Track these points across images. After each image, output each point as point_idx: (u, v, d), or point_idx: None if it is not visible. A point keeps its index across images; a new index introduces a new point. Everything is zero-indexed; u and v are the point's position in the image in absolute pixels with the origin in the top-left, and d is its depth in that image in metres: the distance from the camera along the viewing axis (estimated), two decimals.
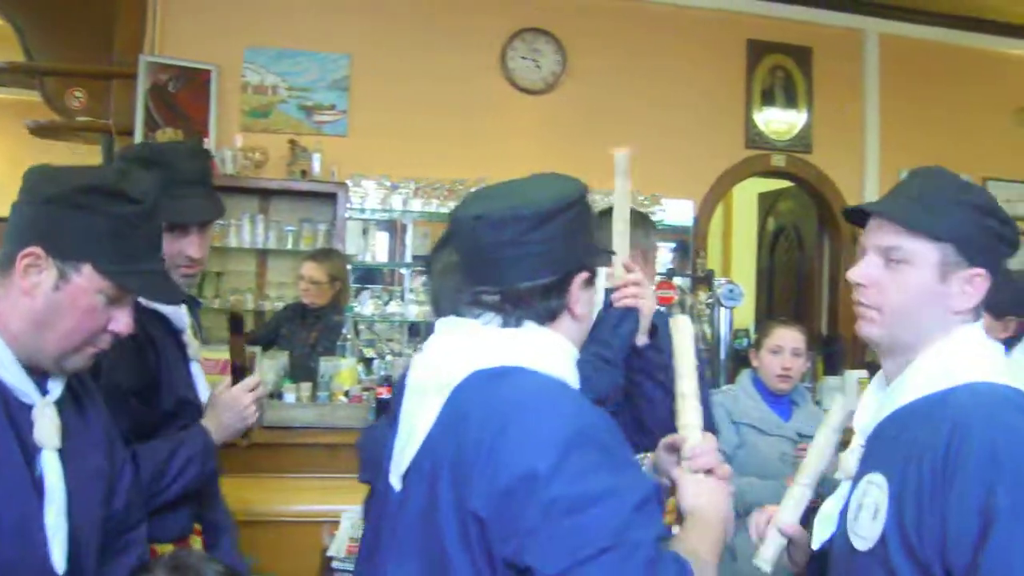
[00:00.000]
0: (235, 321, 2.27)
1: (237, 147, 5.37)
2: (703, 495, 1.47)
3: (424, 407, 1.39)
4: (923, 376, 1.47)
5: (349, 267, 5.12)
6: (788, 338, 3.34)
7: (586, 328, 1.50)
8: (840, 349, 5.99)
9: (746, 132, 6.38)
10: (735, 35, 6.42)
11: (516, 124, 5.92)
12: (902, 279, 1.47)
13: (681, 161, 6.10)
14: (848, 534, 1.45)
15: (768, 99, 6.44)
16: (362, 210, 5.50)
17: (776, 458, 3.24)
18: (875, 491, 1.42)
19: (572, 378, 1.42)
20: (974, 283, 1.47)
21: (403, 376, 1.57)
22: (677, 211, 5.96)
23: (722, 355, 4.66)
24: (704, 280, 5.32)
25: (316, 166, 5.42)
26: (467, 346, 1.40)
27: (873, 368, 6.11)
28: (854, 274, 1.51)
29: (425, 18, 5.84)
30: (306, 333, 4.55)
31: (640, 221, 2.52)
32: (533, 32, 5.97)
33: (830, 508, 1.58)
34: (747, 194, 8.00)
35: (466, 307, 1.43)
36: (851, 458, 1.55)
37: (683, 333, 1.68)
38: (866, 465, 1.49)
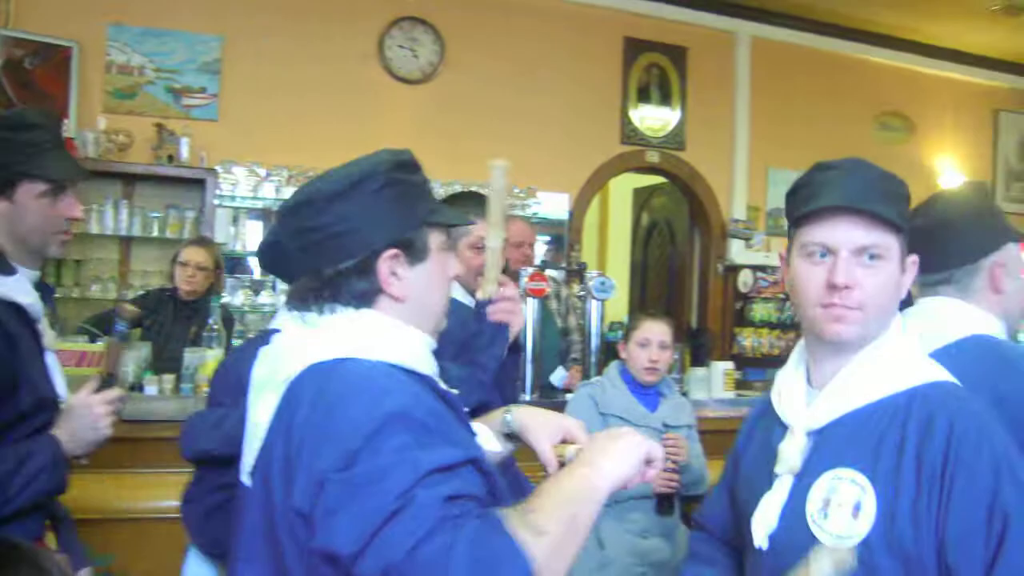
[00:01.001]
0: (121, 322, 2.16)
1: (100, 129, 5.21)
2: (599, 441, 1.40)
3: (264, 403, 1.36)
4: (883, 373, 1.48)
5: None
6: (656, 331, 3.37)
7: (428, 310, 1.44)
8: (707, 341, 6.20)
9: (622, 128, 6.54)
10: (612, 32, 6.57)
11: (393, 113, 5.92)
12: (881, 275, 1.46)
13: (557, 155, 6.22)
14: (813, 531, 1.43)
15: (643, 96, 6.62)
16: (232, 197, 5.41)
17: None
18: (850, 488, 1.41)
19: (412, 360, 1.36)
20: (911, 270, 1.52)
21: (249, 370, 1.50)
22: (553, 204, 6.06)
23: (593, 347, 4.76)
24: (577, 273, 5.42)
25: (184, 151, 5.31)
26: (301, 339, 1.36)
27: (740, 361, 6.39)
28: (842, 278, 1.44)
29: (302, 2, 5.78)
30: (182, 327, 4.37)
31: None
32: (412, 21, 5.98)
33: (770, 505, 1.51)
34: (623, 189, 8.20)
35: (298, 300, 1.39)
36: (793, 452, 1.50)
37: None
38: (822, 461, 1.46)
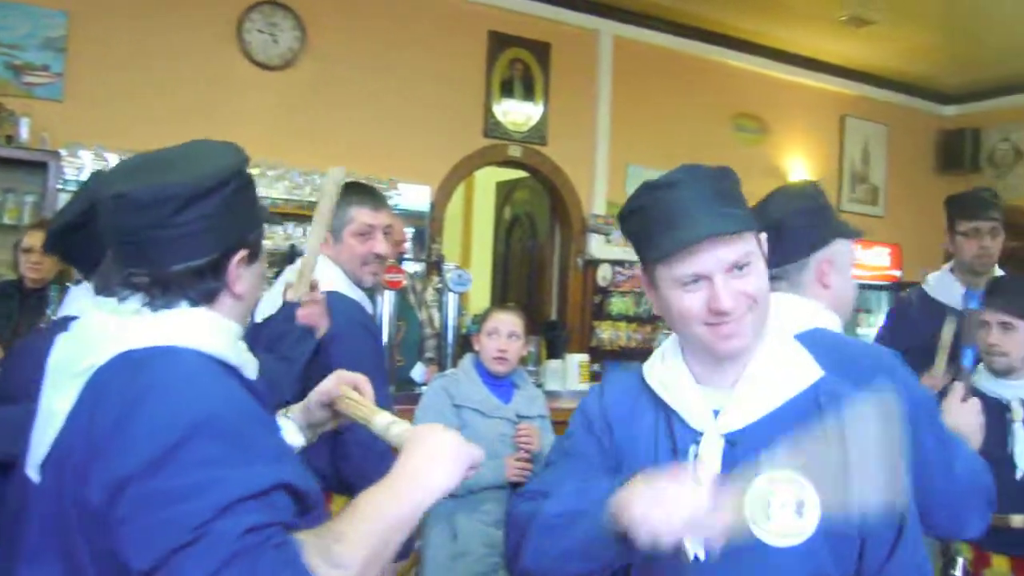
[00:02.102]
0: None
1: None
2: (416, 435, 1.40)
3: (61, 391, 1.31)
4: (787, 371, 1.53)
5: None
6: (504, 321, 3.44)
7: (250, 306, 1.46)
8: (563, 333, 6.35)
9: (485, 122, 6.61)
10: (477, 25, 6.63)
11: (251, 99, 5.82)
12: (755, 279, 1.48)
13: (419, 147, 6.25)
14: (756, 534, 1.41)
15: (507, 91, 6.71)
16: (77, 182, 5.23)
17: (496, 439, 3.39)
18: (789, 487, 1.41)
19: (233, 357, 1.37)
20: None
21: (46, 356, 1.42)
22: (414, 196, 6.08)
23: (450, 340, 4.84)
24: (435, 265, 5.49)
25: (24, 131, 5.09)
26: (113, 327, 1.32)
27: (599, 353, 6.57)
28: (726, 304, 1.44)
29: None
30: (30, 317, 4.17)
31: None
32: (272, 6, 5.89)
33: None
34: (488, 182, 8.30)
35: (117, 287, 1.35)
36: (714, 458, 1.50)
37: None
38: (748, 464, 1.43)
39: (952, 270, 3.73)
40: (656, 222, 1.48)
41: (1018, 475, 2.93)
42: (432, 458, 1.34)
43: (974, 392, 2.22)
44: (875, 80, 8.67)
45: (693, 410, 1.54)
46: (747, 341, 1.49)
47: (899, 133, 8.98)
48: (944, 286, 3.70)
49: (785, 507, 1.40)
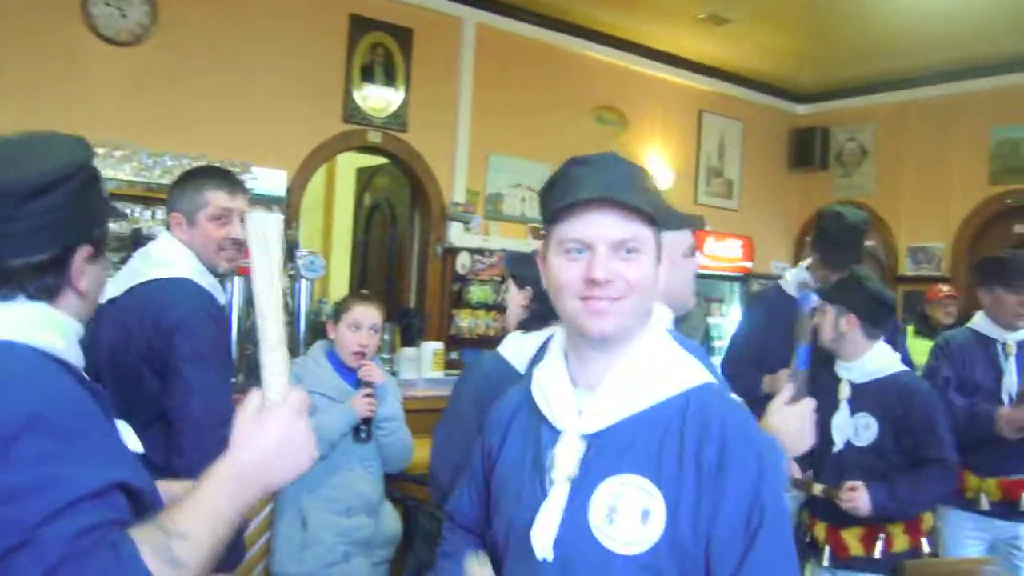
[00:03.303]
0: None
1: None
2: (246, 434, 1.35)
3: None
4: (655, 376, 1.51)
5: None
6: (367, 315, 3.44)
7: (93, 302, 1.45)
8: (418, 321, 6.42)
9: (344, 106, 6.57)
10: (338, 8, 6.58)
11: (98, 76, 5.63)
12: (639, 268, 1.48)
13: (276, 130, 6.17)
14: (599, 539, 1.44)
15: (368, 75, 6.68)
16: None
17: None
18: (636, 494, 1.43)
19: (70, 354, 1.36)
20: (661, 269, 1.55)
21: None
22: (270, 181, 5.97)
23: (301, 326, 4.86)
24: (288, 252, 5.48)
25: None
26: None
27: (457, 342, 6.67)
28: (600, 273, 1.44)
29: None
30: None
31: None
32: None
33: (550, 513, 1.48)
34: (349, 168, 8.28)
35: None
36: (570, 459, 1.49)
37: (255, 234, 1.35)
38: (603, 467, 1.47)
39: (808, 268, 3.92)
40: (563, 191, 1.51)
41: (834, 449, 3.22)
42: (277, 454, 1.32)
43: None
44: (731, 77, 9.04)
45: (558, 410, 1.54)
46: (617, 326, 1.48)
47: (754, 129, 9.39)
48: (800, 283, 3.95)
49: (630, 513, 1.43)
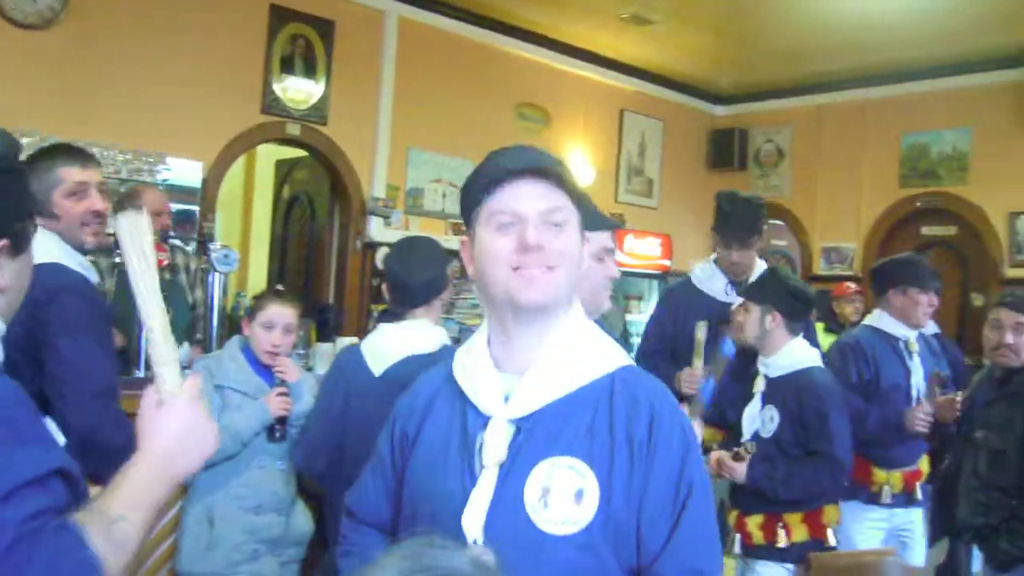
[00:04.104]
0: None
1: None
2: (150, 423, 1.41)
3: None
4: (582, 359, 1.55)
5: None
6: (281, 315, 3.39)
7: (14, 299, 1.43)
8: (334, 317, 6.38)
9: (263, 97, 6.50)
10: None
11: (4, 60, 5.47)
12: (567, 240, 1.52)
13: (192, 119, 6.07)
14: (534, 521, 1.45)
15: (288, 67, 6.61)
16: None
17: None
18: (569, 474, 1.45)
19: None
20: (584, 249, 1.59)
21: None
22: (185, 171, 5.91)
23: (214, 321, 4.79)
24: (202, 245, 5.40)
25: None
26: None
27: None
28: (533, 239, 1.48)
29: None
30: None
31: None
32: None
33: (480, 499, 1.49)
34: (269, 160, 8.20)
35: None
36: (500, 444, 1.50)
37: (126, 234, 1.44)
38: (534, 450, 1.49)
39: (715, 262, 4.07)
40: (488, 169, 1.55)
41: (743, 439, 3.35)
42: (182, 443, 1.40)
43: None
44: (653, 77, 9.17)
45: (484, 395, 1.55)
46: (547, 295, 1.51)
47: (674, 129, 9.54)
48: (708, 277, 4.06)
49: (564, 494, 1.45)
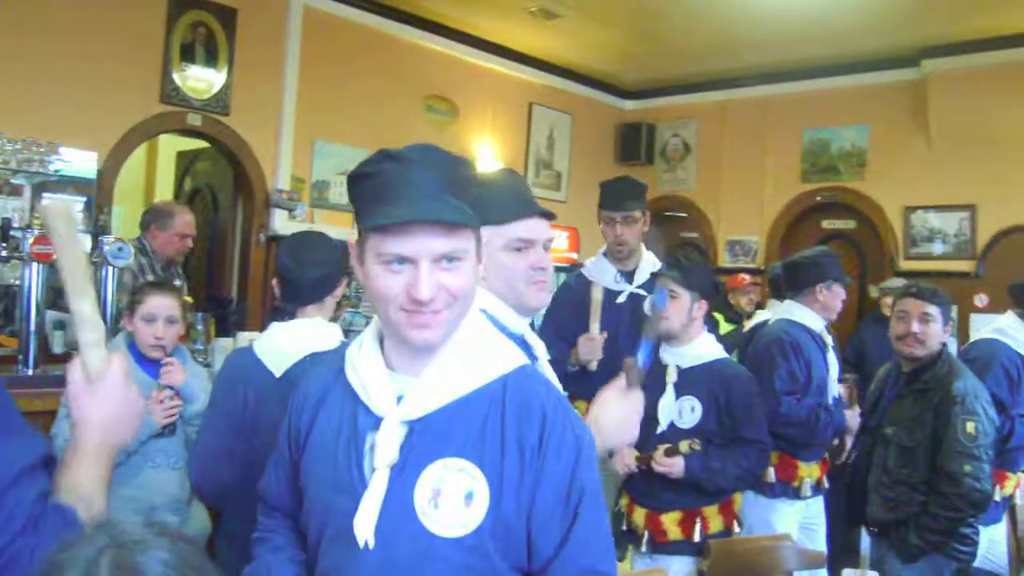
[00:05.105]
0: None
1: None
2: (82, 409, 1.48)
3: None
4: (475, 362, 1.55)
5: None
6: (162, 307, 3.36)
7: None
8: (237, 311, 6.29)
9: (162, 86, 6.32)
10: None
11: None
12: (461, 276, 1.48)
13: (86, 108, 5.88)
14: (424, 523, 1.46)
15: (188, 55, 6.45)
16: None
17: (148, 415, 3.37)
18: (459, 476, 1.47)
19: None
20: (481, 267, 1.57)
21: None
22: (79, 162, 5.69)
23: (107, 318, 4.68)
24: (96, 238, 5.27)
25: None
26: None
27: None
28: (425, 294, 1.44)
29: None
30: None
31: None
32: None
33: (372, 501, 1.49)
34: (170, 152, 8.03)
35: None
36: (391, 445, 1.50)
37: (58, 229, 1.49)
38: (425, 452, 1.49)
39: (605, 254, 4.19)
40: (378, 194, 1.48)
41: (658, 431, 3.39)
42: (117, 417, 1.49)
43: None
44: (561, 71, 9.24)
45: (376, 395, 1.54)
46: (440, 335, 1.50)
47: (582, 123, 9.64)
48: (598, 268, 4.15)
49: (454, 497, 1.46)
